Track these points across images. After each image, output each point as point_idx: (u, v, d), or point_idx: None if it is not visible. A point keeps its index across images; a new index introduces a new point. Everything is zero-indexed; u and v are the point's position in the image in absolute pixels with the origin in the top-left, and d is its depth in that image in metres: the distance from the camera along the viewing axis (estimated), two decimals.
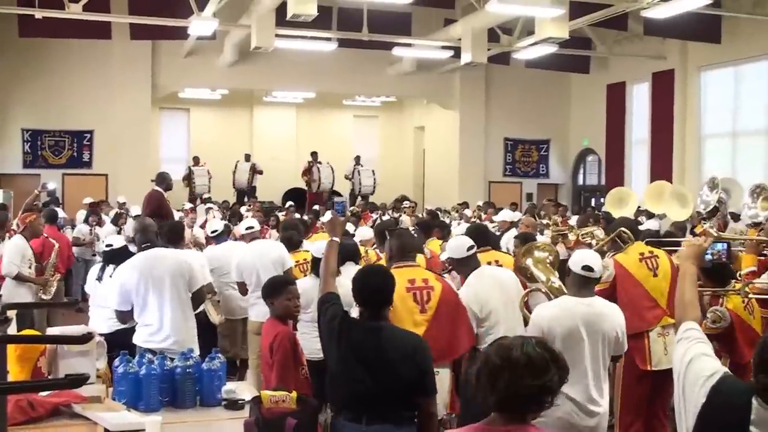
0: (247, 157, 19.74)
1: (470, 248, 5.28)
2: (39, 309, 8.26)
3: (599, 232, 7.89)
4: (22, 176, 17.54)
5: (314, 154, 19.46)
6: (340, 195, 19.85)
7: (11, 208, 13.23)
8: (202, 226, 11.73)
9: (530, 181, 21.43)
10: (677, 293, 3.27)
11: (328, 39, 15.63)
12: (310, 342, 5.23)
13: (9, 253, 7.97)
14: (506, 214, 11.07)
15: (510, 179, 21.21)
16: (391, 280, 3.96)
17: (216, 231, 8.67)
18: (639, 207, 13.00)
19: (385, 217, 13.51)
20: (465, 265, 5.28)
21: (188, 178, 18.11)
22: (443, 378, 4.64)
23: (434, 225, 9.75)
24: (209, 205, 15.73)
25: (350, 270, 5.44)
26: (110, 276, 6.68)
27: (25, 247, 8.08)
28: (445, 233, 9.13)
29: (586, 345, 4.37)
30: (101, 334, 5.69)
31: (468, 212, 14.66)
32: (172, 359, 4.50)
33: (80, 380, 2.44)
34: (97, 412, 3.93)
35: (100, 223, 13.45)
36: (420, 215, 15.17)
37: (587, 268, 4.49)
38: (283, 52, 16.28)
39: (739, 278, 5.63)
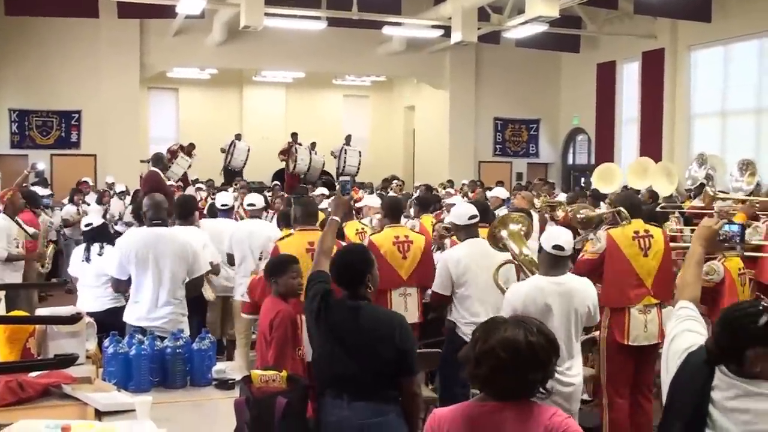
0: (239, 137, 19.63)
1: (472, 217, 5.71)
2: (27, 290, 8.18)
3: (586, 209, 7.95)
4: (10, 157, 17.42)
5: (294, 135, 19.32)
6: (326, 178, 19.65)
7: None
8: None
9: (520, 160, 21.44)
10: (681, 272, 3.36)
11: (318, 18, 15.54)
12: None
13: None
14: (498, 191, 11.14)
15: (500, 159, 21.22)
16: (364, 258, 3.89)
17: (226, 205, 8.55)
18: (626, 186, 13.11)
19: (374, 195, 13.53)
20: (463, 232, 5.74)
21: (170, 157, 17.77)
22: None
23: (433, 200, 9.92)
24: (198, 185, 15.72)
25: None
26: (98, 254, 6.68)
27: (9, 226, 7.78)
28: (437, 208, 9.54)
29: (558, 323, 4.47)
30: (91, 314, 5.70)
31: (451, 190, 14.70)
32: (162, 339, 4.50)
33: (69, 360, 2.45)
34: (87, 393, 3.93)
35: (85, 202, 13.40)
36: (408, 192, 15.16)
37: (558, 247, 4.54)
38: (272, 31, 16.18)
39: None
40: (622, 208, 5.87)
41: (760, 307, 2.55)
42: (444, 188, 15.27)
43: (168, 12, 15.39)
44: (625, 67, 18.75)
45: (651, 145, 17.17)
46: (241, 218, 9.04)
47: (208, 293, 7.48)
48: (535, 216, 8.51)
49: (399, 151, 24.14)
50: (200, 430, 3.80)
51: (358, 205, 8.85)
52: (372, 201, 8.75)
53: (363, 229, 7.51)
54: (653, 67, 17.36)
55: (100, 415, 3.75)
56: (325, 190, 12.67)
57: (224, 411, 3.73)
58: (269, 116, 22.71)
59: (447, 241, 6.96)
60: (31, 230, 8.18)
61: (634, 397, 5.73)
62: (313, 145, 19.66)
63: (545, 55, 19.78)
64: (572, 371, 4.58)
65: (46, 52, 17.44)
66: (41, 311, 5.34)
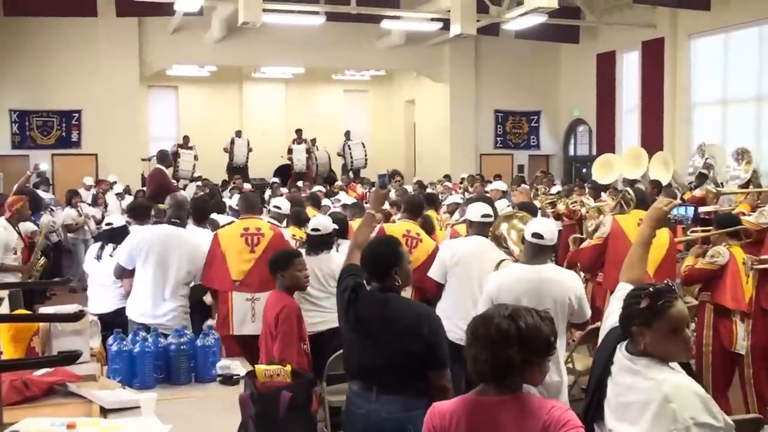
0: (239, 134, 19.65)
1: (484, 216, 5.70)
2: (29, 288, 8.16)
3: (588, 200, 7.95)
4: (11, 157, 17.42)
5: (298, 132, 19.43)
6: (332, 175, 19.67)
7: (1, 189, 13.16)
8: None
9: (521, 152, 21.40)
10: (630, 252, 3.62)
11: (316, 13, 15.51)
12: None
13: None
14: (498, 184, 11.15)
15: (501, 151, 21.18)
16: (392, 252, 3.82)
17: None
18: (624, 178, 13.15)
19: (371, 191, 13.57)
20: (474, 229, 5.75)
21: (174, 158, 17.94)
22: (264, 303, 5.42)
23: (420, 206, 9.84)
24: (199, 183, 15.74)
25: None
26: (110, 255, 6.66)
27: (9, 235, 7.66)
28: (435, 204, 9.36)
29: None
30: (102, 314, 5.74)
31: (449, 184, 14.70)
32: (166, 336, 4.51)
33: (73, 357, 2.45)
34: (91, 390, 3.94)
35: (85, 202, 13.39)
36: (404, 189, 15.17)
37: (537, 235, 4.50)
38: (271, 27, 16.16)
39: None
40: (628, 189, 5.88)
41: (650, 289, 2.83)
42: (441, 184, 15.30)
43: (166, 10, 15.36)
44: (625, 57, 18.69)
45: (652, 134, 17.14)
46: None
47: (209, 297, 7.48)
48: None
49: (400, 145, 24.11)
50: (205, 425, 3.80)
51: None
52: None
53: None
54: (653, 56, 17.31)
55: (105, 412, 3.76)
56: (322, 188, 12.69)
57: (229, 406, 3.73)
58: (269, 112, 22.70)
59: (448, 232, 6.95)
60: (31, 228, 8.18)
61: None
62: (314, 141, 19.68)
63: (545, 46, 19.74)
64: (556, 366, 4.43)
65: (46, 52, 17.42)
66: (45, 310, 5.36)
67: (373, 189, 7.88)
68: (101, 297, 6.51)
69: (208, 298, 7.45)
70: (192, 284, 5.75)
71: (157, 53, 18.41)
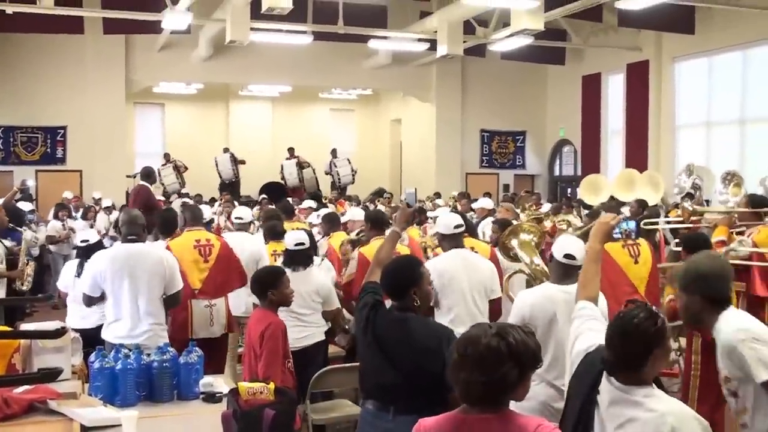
0: (226, 151, 19.62)
1: (457, 227, 5.53)
2: (11, 305, 8.09)
3: (574, 219, 7.96)
4: None
5: (290, 150, 19.49)
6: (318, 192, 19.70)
7: None
8: None
9: (507, 172, 21.51)
10: (582, 270, 3.60)
11: (304, 32, 15.57)
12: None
13: None
14: (485, 202, 11.15)
15: (487, 170, 21.28)
16: (409, 272, 3.77)
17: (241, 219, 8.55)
18: (612, 197, 13.17)
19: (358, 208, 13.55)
20: (449, 242, 5.55)
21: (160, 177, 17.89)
22: (220, 308, 6.29)
23: (383, 222, 9.90)
24: (185, 199, 15.65)
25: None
26: None
27: None
28: (422, 218, 9.58)
29: (564, 332, 4.38)
30: (83, 329, 5.65)
31: (440, 202, 14.70)
32: (148, 354, 4.46)
33: (53, 374, 2.42)
34: (72, 408, 3.89)
35: (71, 216, 13.33)
36: (396, 206, 15.19)
37: (569, 256, 4.48)
38: (258, 46, 16.20)
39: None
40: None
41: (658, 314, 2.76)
42: (430, 201, 15.32)
43: (153, 27, 15.36)
44: (611, 79, 18.88)
45: (637, 156, 17.27)
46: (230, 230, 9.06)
47: None
48: None
49: (386, 164, 24.17)
50: None
51: (343, 219, 8.79)
52: (356, 214, 8.71)
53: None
54: (638, 78, 17.49)
55: (85, 430, 3.71)
56: (312, 203, 12.65)
57: (212, 424, 3.70)
58: (256, 130, 22.68)
59: (430, 253, 6.92)
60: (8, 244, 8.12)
61: None
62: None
63: (531, 67, 19.90)
64: None
65: (32, 68, 17.37)
66: (26, 326, 5.29)
67: (400, 207, 7.78)
68: (81, 314, 6.44)
69: None
70: (165, 296, 5.55)
71: (144, 71, 18.40)
